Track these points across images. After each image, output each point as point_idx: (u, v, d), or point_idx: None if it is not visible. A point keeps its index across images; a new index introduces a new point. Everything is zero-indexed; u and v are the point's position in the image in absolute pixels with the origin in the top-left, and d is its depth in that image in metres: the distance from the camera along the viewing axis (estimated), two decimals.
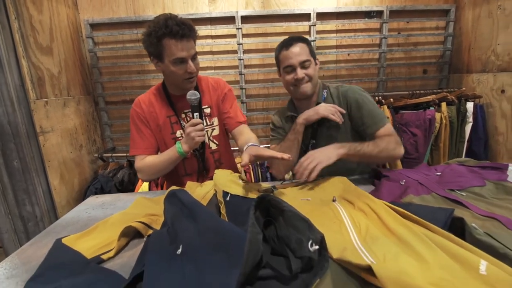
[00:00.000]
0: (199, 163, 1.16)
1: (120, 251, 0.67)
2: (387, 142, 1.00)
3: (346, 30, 2.27)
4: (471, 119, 2.01)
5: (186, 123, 1.08)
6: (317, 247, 0.48)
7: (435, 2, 2.32)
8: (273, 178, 2.01)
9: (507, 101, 1.94)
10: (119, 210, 0.86)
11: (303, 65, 1.08)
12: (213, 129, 1.18)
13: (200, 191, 0.88)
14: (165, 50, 0.98)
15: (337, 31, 2.29)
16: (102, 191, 1.91)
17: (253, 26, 2.17)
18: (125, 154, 2.13)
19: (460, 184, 0.89)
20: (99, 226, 0.77)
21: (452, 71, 2.41)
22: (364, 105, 1.08)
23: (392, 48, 2.33)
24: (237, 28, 2.13)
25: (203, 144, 1.13)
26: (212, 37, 2.21)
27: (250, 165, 2.02)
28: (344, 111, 1.10)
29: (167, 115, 1.12)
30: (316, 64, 1.13)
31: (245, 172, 1.99)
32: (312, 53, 1.11)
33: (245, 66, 2.25)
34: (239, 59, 2.19)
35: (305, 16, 2.20)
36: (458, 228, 0.64)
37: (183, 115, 1.14)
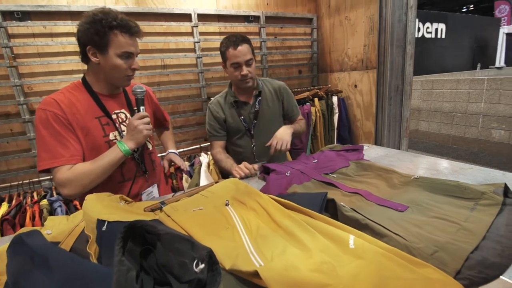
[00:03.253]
0: (137, 165, 1.07)
1: None
2: (303, 123, 1.55)
3: (229, 32, 2.33)
4: (337, 110, 2.42)
5: (118, 124, 1.02)
6: (203, 265, 0.44)
7: (301, 11, 2.66)
8: None
9: (359, 93, 2.42)
10: None
11: (248, 63, 1.30)
12: None
13: (64, 227, 0.70)
14: (113, 41, 0.92)
15: (220, 33, 2.32)
16: None
17: None
18: None
19: (331, 167, 1.02)
20: None
21: (320, 71, 2.83)
22: (290, 99, 1.51)
23: (271, 51, 2.55)
24: None
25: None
26: (75, 35, 1.86)
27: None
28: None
29: (96, 116, 0.99)
30: (255, 61, 1.36)
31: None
32: (253, 52, 1.33)
33: None
34: None
35: (186, 17, 2.12)
36: (332, 208, 0.73)
37: (114, 116, 1.03)
